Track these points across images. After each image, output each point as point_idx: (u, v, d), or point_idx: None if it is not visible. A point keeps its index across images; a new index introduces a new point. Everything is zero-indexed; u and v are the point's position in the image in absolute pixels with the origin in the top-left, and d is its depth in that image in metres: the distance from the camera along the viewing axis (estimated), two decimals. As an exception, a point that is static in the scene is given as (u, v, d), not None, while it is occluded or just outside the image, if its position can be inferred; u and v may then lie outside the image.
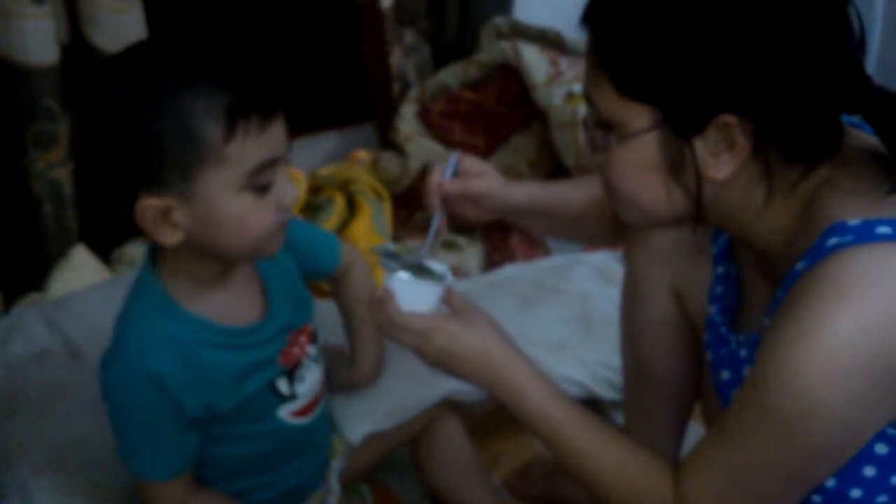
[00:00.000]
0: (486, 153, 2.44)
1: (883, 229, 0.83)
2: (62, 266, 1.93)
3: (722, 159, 0.89)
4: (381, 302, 1.07)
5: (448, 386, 1.47)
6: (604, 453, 1.02)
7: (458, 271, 1.93)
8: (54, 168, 1.90)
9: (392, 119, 2.47)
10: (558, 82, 2.29)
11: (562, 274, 1.95)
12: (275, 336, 1.15)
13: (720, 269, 1.14)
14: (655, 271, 1.24)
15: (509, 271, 2.00)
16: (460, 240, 2.14)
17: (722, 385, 1.09)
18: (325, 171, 2.28)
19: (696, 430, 1.35)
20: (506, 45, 2.37)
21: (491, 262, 2.12)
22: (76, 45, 1.87)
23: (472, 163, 1.28)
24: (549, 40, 2.42)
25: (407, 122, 2.45)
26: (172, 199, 0.98)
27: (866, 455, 0.89)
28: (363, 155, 2.39)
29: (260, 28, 2.82)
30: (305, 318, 1.21)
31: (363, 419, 1.39)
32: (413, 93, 2.49)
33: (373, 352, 1.37)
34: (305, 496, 1.30)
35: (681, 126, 0.88)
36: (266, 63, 1.01)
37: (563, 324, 1.78)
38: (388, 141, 2.48)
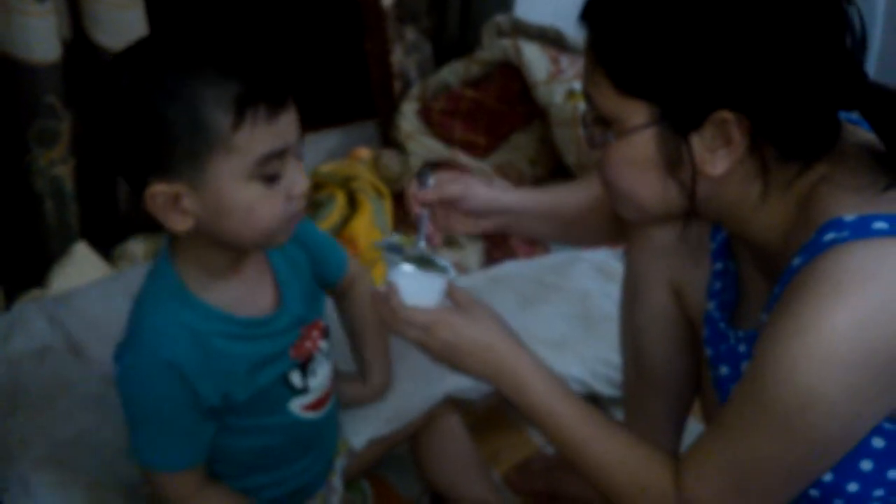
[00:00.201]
0: (486, 151, 2.44)
1: (879, 224, 0.83)
2: (63, 262, 1.93)
3: (718, 155, 0.89)
4: (385, 296, 1.08)
5: (450, 384, 1.47)
6: (605, 447, 1.02)
7: (458, 268, 1.93)
8: (56, 165, 1.90)
9: (393, 117, 2.47)
10: (559, 80, 2.30)
11: (562, 271, 1.95)
12: (287, 328, 1.16)
13: (719, 266, 1.14)
14: (655, 267, 1.25)
15: (509, 268, 2.00)
16: (461, 237, 2.14)
17: (721, 381, 1.09)
18: (326, 169, 2.28)
19: (695, 427, 1.35)
20: (507, 43, 2.38)
21: (491, 259, 2.12)
22: (78, 42, 1.88)
23: (448, 173, 1.30)
24: (550, 38, 2.42)
25: (408, 119, 2.45)
26: (182, 186, 0.99)
27: (863, 449, 0.90)
28: (364, 152, 2.39)
29: (261, 26, 2.82)
30: (317, 313, 1.22)
31: (366, 424, 1.40)
32: (414, 91, 2.50)
33: (383, 366, 1.39)
34: (310, 496, 1.30)
35: (678, 122, 0.89)
36: (276, 55, 1.02)
37: (563, 321, 1.78)
38: (389, 139, 2.49)
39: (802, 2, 0.85)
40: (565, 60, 2.35)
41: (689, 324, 1.25)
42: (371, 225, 2.12)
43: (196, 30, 1.02)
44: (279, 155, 1.01)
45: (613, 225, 1.27)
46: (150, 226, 2.06)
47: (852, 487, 0.92)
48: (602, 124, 0.94)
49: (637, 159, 0.92)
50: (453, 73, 2.45)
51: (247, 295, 1.13)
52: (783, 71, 0.85)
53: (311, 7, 2.89)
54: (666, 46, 0.86)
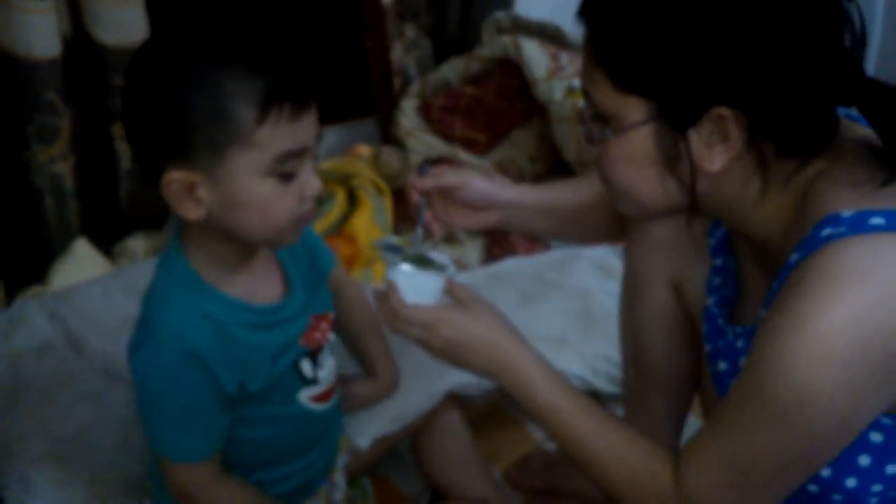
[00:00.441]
0: (486, 148, 2.44)
1: (876, 220, 0.83)
2: (64, 259, 1.93)
3: (716, 151, 0.89)
4: (385, 296, 1.08)
5: (452, 381, 1.47)
6: (606, 441, 1.02)
7: (458, 265, 1.93)
8: (56, 162, 1.90)
9: (393, 114, 2.47)
10: (559, 77, 2.30)
11: (562, 268, 1.95)
12: (297, 315, 1.17)
13: (718, 261, 1.14)
14: (655, 264, 1.25)
15: (510, 265, 2.00)
16: (461, 234, 2.14)
17: (720, 376, 1.09)
18: (326, 166, 2.28)
19: (694, 423, 1.35)
20: (506, 39, 2.38)
21: (491, 255, 2.12)
22: (78, 39, 1.88)
23: (448, 165, 1.29)
24: (550, 35, 2.42)
25: (408, 117, 2.45)
26: (199, 175, 1.00)
27: (861, 444, 0.90)
28: (364, 150, 2.39)
29: (263, 23, 2.82)
30: (324, 303, 1.23)
31: (371, 423, 1.40)
32: (414, 88, 2.50)
33: (389, 362, 1.40)
34: (313, 492, 1.31)
35: (675, 119, 0.89)
36: (305, 55, 1.03)
37: (563, 318, 1.78)
38: (389, 136, 2.49)
39: None
40: (565, 57, 2.35)
41: (689, 320, 1.25)
42: (371, 222, 2.12)
43: (229, 23, 1.04)
44: (297, 154, 1.02)
45: (613, 222, 1.27)
46: (150, 223, 2.06)
47: (851, 483, 0.92)
48: (600, 121, 0.94)
49: (635, 155, 0.92)
50: (453, 70, 2.45)
51: (257, 285, 1.14)
52: (780, 67, 0.85)
53: (312, 4, 2.89)
54: (663, 43, 0.86)
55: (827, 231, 0.85)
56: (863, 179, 0.87)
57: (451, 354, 1.08)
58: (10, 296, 1.87)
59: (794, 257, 0.88)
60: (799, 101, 0.87)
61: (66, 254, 1.94)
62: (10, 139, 1.88)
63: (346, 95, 2.59)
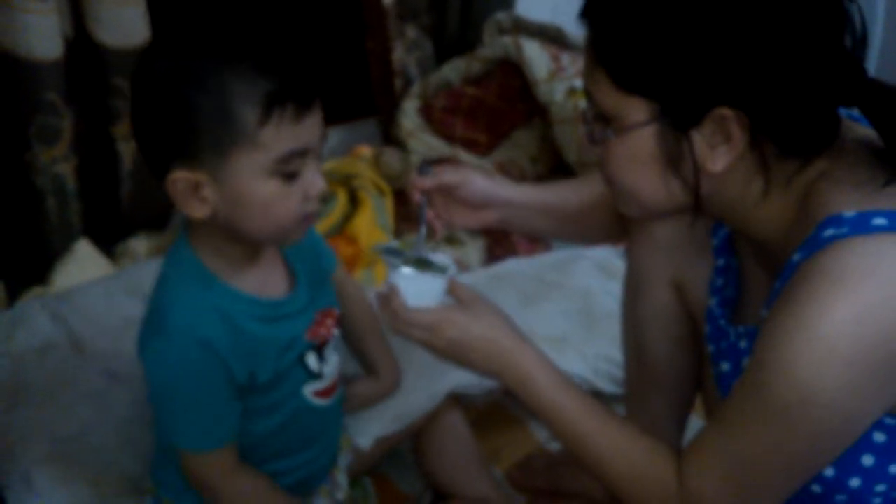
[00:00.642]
0: (487, 149, 2.44)
1: (879, 220, 0.84)
2: (66, 260, 1.93)
3: (718, 152, 0.89)
4: (387, 299, 1.08)
5: (453, 380, 1.48)
6: (608, 440, 1.03)
7: (459, 265, 1.93)
8: (58, 162, 1.90)
9: (394, 115, 2.47)
10: (560, 78, 2.30)
11: (563, 269, 1.95)
12: (303, 310, 1.18)
13: (721, 262, 1.14)
14: (657, 264, 1.25)
15: (511, 266, 2.00)
16: (462, 234, 2.14)
17: (722, 377, 1.09)
18: (327, 166, 2.28)
19: (696, 423, 1.36)
20: (507, 40, 2.38)
21: (493, 256, 2.12)
22: (80, 40, 1.88)
23: (449, 165, 1.31)
24: (551, 36, 2.42)
25: (409, 117, 2.45)
26: (204, 174, 1.01)
27: (864, 444, 0.90)
28: (365, 150, 2.39)
29: (266, 25, 2.82)
30: (329, 299, 1.24)
31: (372, 424, 1.41)
32: (415, 88, 2.50)
33: (391, 361, 1.41)
34: (313, 490, 1.31)
35: (678, 119, 0.89)
36: (310, 57, 1.04)
37: (564, 318, 1.79)
38: (390, 136, 2.49)
39: None
40: (566, 58, 2.35)
41: (690, 320, 1.25)
42: (372, 223, 2.12)
43: (233, 24, 1.05)
44: (301, 154, 1.03)
45: (615, 222, 1.27)
46: (152, 223, 2.06)
47: (854, 482, 0.92)
48: (602, 121, 0.94)
49: (638, 156, 0.92)
50: (454, 70, 2.45)
51: (264, 280, 1.16)
52: (781, 67, 0.85)
53: (313, 5, 2.89)
54: (665, 43, 0.86)
55: (829, 231, 0.85)
56: (864, 180, 0.87)
57: (454, 355, 1.08)
58: (12, 296, 1.87)
59: (796, 257, 0.88)
60: (800, 102, 0.87)
61: (68, 254, 1.94)
62: (11, 140, 1.88)
63: (348, 96, 2.58)
